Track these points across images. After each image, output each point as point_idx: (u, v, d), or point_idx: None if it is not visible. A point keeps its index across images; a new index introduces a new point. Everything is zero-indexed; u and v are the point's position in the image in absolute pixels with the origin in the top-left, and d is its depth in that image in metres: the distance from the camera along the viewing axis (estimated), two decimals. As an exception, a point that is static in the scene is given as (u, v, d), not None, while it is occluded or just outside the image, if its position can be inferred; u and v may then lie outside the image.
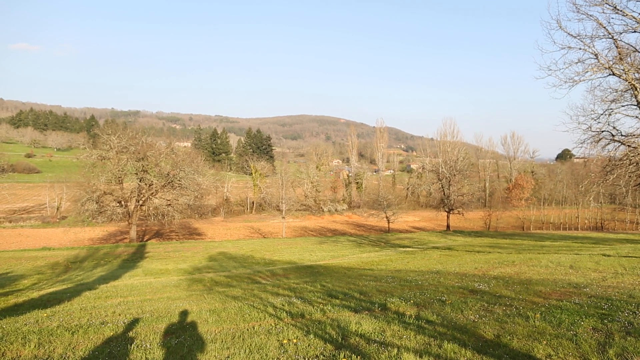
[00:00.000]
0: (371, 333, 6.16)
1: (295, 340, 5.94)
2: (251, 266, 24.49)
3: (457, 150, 76.27)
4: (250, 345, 5.87)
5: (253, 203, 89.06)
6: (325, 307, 8.39)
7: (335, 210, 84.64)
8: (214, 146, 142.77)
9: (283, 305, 8.81)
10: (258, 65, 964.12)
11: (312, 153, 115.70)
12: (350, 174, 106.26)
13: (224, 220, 74.44)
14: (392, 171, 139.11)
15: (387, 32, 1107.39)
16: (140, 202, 41.82)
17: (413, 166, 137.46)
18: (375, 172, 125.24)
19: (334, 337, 6.07)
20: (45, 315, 9.25)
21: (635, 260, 17.36)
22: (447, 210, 56.69)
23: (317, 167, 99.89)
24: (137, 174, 41.07)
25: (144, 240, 47.99)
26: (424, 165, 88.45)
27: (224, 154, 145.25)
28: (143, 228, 56.96)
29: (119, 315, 8.98)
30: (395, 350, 5.22)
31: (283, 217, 57.79)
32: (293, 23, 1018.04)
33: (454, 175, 56.64)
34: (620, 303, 7.84)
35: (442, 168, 59.15)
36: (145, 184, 41.17)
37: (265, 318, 7.68)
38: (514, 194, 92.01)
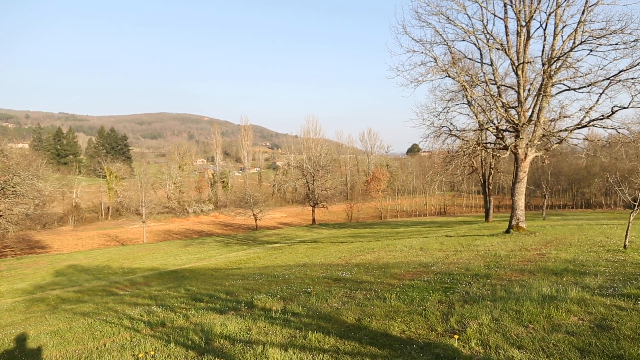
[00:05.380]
0: (237, 333, 5.96)
1: (153, 353, 5.45)
2: (107, 277, 22.29)
3: (320, 146, 79.65)
4: (100, 364, 5.23)
5: (109, 208, 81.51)
6: (188, 312, 7.92)
7: (201, 211, 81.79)
8: (58, 147, 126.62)
9: (141, 316, 8.09)
10: (109, 61, 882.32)
11: (174, 153, 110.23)
12: (215, 173, 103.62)
13: (74, 229, 66.73)
14: (258, 169, 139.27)
15: (248, 29, 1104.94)
16: (-39, 214, 35.15)
17: (279, 163, 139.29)
18: (241, 170, 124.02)
19: (197, 342, 5.73)
20: None
21: (470, 238, 19.92)
22: (312, 204, 58.70)
23: (180, 167, 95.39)
24: (-46, 181, 34.40)
25: (-31, 259, 40.56)
26: (289, 162, 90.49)
27: (71, 156, 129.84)
28: (-33, 245, 48.18)
29: None
30: (261, 348, 5.11)
31: (143, 222, 53.90)
32: (146, 21, 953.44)
33: (318, 170, 58.92)
34: (459, 276, 8.86)
35: (306, 164, 61.10)
36: (-33, 192, 34.73)
37: (119, 332, 6.94)
38: (372, 186, 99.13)
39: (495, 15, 20.47)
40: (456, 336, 4.96)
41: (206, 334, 6.01)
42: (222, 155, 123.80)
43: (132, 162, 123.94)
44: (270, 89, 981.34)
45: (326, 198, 58.78)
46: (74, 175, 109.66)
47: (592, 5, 18.32)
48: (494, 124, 23.65)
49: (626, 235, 11.95)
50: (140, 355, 5.41)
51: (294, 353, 4.85)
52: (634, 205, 12.58)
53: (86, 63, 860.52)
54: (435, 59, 20.85)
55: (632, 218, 12.56)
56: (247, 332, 5.99)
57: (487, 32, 20.61)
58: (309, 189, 59.25)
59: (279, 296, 8.58)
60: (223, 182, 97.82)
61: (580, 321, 5.18)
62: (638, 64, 17.38)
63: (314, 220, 60.39)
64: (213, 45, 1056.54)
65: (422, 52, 20.97)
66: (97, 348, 6.07)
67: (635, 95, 17.97)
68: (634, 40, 17.23)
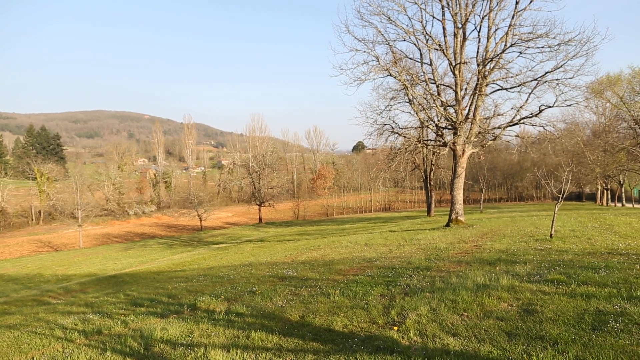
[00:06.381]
0: (178, 337, 5.81)
1: (87, 362, 5.20)
2: (39, 286, 20.95)
3: (266, 145, 79.00)
4: (28, 378, 4.91)
5: (40, 212, 76.48)
6: (127, 318, 7.61)
7: (143, 212, 78.79)
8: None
9: (76, 325, 7.67)
10: (39, 57, 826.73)
11: (113, 152, 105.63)
12: (157, 173, 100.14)
13: (0, 236, 62.06)
14: (202, 168, 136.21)
15: (189, 27, 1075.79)
16: None
17: (224, 162, 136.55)
18: (185, 169, 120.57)
19: (136, 349, 5.52)
20: None
21: (413, 232, 20.57)
22: (258, 203, 58.23)
23: (119, 167, 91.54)
24: None
25: None
26: (234, 160, 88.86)
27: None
28: None
29: None
30: (203, 350, 5.02)
31: (80, 225, 51.10)
32: (82, 18, 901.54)
33: (264, 169, 58.52)
34: (401, 270, 9.13)
35: (251, 163, 60.48)
36: None
37: (50, 344, 6.53)
38: (318, 183, 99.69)
39: (433, 17, 21.20)
40: (396, 328, 5.13)
41: (146, 340, 5.81)
42: (165, 154, 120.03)
43: (66, 163, 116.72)
44: (214, 87, 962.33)
45: (272, 196, 58.57)
46: None
47: (521, 10, 19.47)
48: (434, 121, 24.52)
49: (552, 225, 12.82)
50: (74, 366, 5.14)
51: (237, 353, 4.81)
52: (559, 197, 13.52)
53: (12, 59, 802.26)
54: (377, 58, 21.29)
55: (557, 209, 13.49)
56: (189, 335, 5.86)
57: (426, 33, 21.31)
58: (255, 187, 58.72)
59: (223, 297, 8.45)
60: (166, 182, 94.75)
61: (509, 307, 5.52)
62: (561, 66, 18.71)
63: (260, 219, 59.93)
64: (153, 43, 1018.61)
65: (365, 51, 21.36)
66: (25, 362, 5.71)
67: (560, 95, 19.39)
68: (557, 44, 18.53)
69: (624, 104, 40.38)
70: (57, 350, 6.04)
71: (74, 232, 56.32)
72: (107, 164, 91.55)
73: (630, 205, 52.49)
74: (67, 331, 7.18)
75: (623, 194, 55.97)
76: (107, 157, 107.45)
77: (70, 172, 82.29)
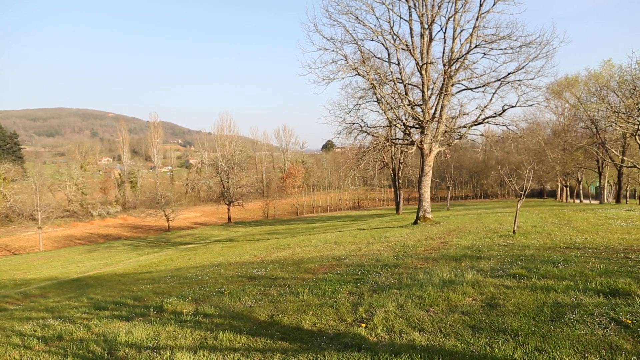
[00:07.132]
0: (144, 340, 5.67)
1: (47, 369, 5.02)
2: (-5, 291, 20.06)
3: (235, 143, 78.28)
4: (-17, 388, 4.70)
5: (-4, 215, 73.19)
6: (90, 322, 7.38)
7: (108, 213, 76.62)
8: None
9: (35, 331, 7.37)
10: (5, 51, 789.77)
11: (75, 151, 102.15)
12: (122, 173, 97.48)
13: (-47, 239, 58.98)
14: (169, 167, 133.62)
15: (155, 25, 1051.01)
16: None
17: (192, 161, 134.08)
18: (151, 169, 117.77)
19: (99, 353, 5.36)
20: None
21: (382, 230, 20.81)
22: (227, 203, 57.61)
23: (82, 166, 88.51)
24: None
25: None
26: (202, 159, 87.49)
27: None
28: None
29: None
30: (169, 353, 4.92)
31: (40, 227, 49.19)
32: (45, 14, 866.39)
33: (233, 168, 57.94)
34: (370, 267, 9.23)
35: (220, 162, 59.76)
36: None
37: (7, 352, 6.24)
38: (288, 182, 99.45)
39: (400, 17, 21.50)
40: (364, 325, 5.18)
41: (109, 344, 5.65)
42: (130, 153, 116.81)
43: (24, 163, 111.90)
44: (181, 85, 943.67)
45: (242, 196, 58.03)
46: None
47: (485, 12, 20.00)
48: (402, 120, 24.88)
49: (515, 221, 13.25)
50: (32, 373, 4.95)
51: (204, 355, 4.75)
52: (521, 194, 13.97)
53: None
54: (345, 57, 21.42)
55: (519, 206, 13.94)
56: (155, 337, 5.73)
57: (394, 33, 21.59)
58: (223, 187, 58.07)
59: (190, 298, 8.33)
60: (131, 182, 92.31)
61: (473, 301, 5.66)
62: (523, 67, 19.34)
63: (229, 218, 59.30)
64: (116, 40, 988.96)
65: (333, 50, 21.46)
66: (-21, 371, 5.46)
67: (521, 95, 20.04)
68: (519, 46, 19.16)
69: (581, 104, 42.03)
70: (14, 358, 5.80)
71: (34, 234, 54.16)
72: (68, 164, 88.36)
73: (587, 202, 54.81)
74: (25, 338, 6.90)
75: (581, 191, 58.36)
76: (69, 157, 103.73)
77: (29, 172, 78.82)
